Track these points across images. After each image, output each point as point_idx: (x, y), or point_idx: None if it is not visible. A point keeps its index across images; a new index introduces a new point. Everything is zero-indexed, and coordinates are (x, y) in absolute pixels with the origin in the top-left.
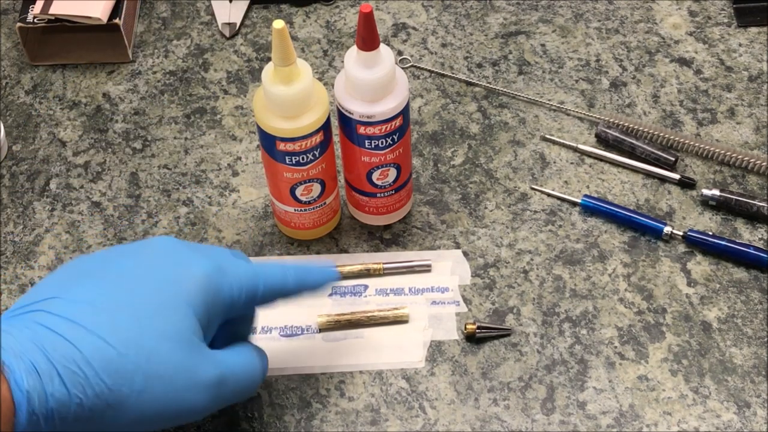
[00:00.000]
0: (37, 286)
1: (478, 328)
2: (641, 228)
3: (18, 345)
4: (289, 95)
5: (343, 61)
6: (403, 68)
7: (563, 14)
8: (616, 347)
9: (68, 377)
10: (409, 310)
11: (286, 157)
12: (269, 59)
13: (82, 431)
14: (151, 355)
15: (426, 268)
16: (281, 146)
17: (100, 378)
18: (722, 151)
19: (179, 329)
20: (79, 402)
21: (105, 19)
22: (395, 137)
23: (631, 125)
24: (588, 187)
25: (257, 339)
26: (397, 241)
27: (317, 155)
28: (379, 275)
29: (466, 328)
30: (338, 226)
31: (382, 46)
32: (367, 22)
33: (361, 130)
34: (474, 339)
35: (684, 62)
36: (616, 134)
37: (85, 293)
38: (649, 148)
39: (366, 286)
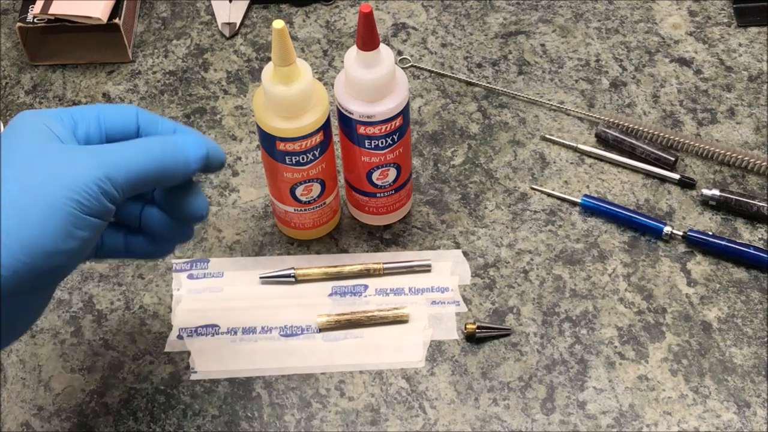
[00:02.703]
0: None
1: (478, 328)
2: (641, 228)
3: None
4: (289, 95)
5: (343, 61)
6: (403, 68)
7: (563, 14)
8: (616, 347)
9: None
10: (409, 310)
11: (286, 157)
12: (269, 59)
13: None
14: None
15: (426, 268)
16: (281, 146)
17: None
18: (722, 151)
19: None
20: None
21: (105, 19)
22: (395, 137)
23: (631, 125)
24: (588, 187)
25: (257, 338)
26: (397, 241)
27: (317, 155)
28: (379, 275)
29: (466, 328)
30: (338, 226)
31: (382, 46)
32: (367, 22)
33: (361, 130)
34: (474, 339)
35: (684, 62)
36: (616, 134)
37: None
38: (649, 148)
39: (366, 286)
